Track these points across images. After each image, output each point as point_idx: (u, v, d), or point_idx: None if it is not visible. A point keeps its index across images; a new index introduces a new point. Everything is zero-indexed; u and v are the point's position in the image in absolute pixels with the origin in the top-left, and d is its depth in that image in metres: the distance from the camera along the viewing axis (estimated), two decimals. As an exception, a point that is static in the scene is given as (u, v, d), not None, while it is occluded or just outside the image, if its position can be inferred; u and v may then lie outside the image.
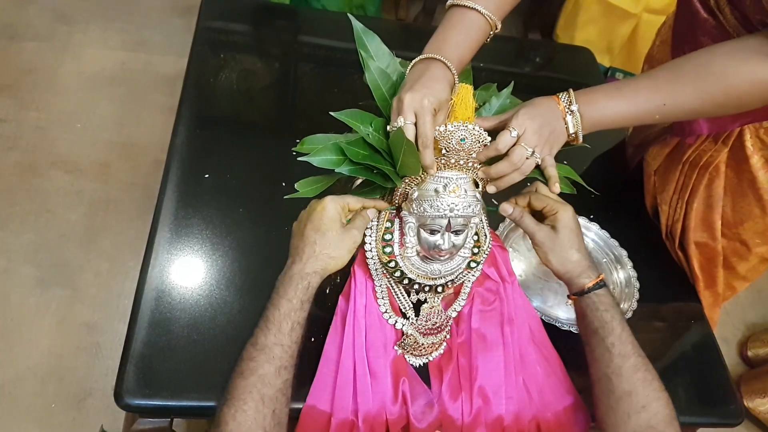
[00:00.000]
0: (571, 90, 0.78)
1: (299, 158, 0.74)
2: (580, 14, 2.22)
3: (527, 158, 0.75)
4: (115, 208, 1.81)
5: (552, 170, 0.77)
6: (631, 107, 0.78)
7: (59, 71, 2.18)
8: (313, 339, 0.83)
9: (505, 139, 0.75)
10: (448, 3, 0.79)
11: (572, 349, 0.86)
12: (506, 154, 0.76)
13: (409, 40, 0.79)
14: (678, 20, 1.04)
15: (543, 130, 0.76)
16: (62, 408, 1.44)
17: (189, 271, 0.92)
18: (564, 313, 0.98)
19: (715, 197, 1.03)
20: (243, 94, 1.26)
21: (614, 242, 1.10)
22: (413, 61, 0.76)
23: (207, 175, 1.06)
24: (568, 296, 0.83)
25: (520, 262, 1.06)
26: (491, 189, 0.78)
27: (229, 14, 1.42)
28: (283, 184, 1.06)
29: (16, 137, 1.94)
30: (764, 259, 1.08)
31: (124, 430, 0.91)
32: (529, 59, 1.59)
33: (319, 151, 0.73)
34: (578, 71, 1.56)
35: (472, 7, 0.76)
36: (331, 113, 0.76)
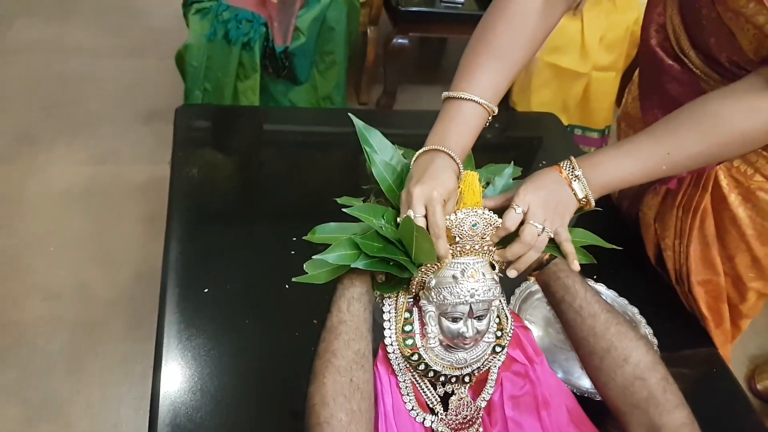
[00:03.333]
0: (572, 157, 0.79)
1: (314, 256, 0.72)
2: (533, 79, 2.32)
3: (539, 235, 0.75)
4: (99, 330, 1.73)
5: (568, 246, 0.77)
6: (636, 163, 0.78)
7: (26, 193, 2.13)
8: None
9: (510, 217, 0.75)
10: (443, 95, 0.81)
11: (610, 417, 0.84)
12: (518, 234, 0.75)
13: (378, 125, 0.80)
14: (643, 72, 1.09)
15: (549, 201, 0.76)
16: None
17: (202, 398, 0.87)
18: (590, 383, 0.96)
19: (710, 237, 1.05)
20: (230, 198, 1.25)
21: (624, 301, 1.10)
22: (417, 154, 0.77)
23: (206, 290, 1.02)
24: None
25: (538, 334, 1.04)
26: (512, 273, 0.78)
27: (203, 122, 1.43)
28: (287, 286, 1.04)
29: (-14, 269, 1.87)
30: (761, 295, 1.10)
31: None
32: (499, 130, 1.63)
33: (334, 248, 0.72)
34: (547, 136, 1.61)
35: (468, 99, 0.78)
36: (344, 210, 0.75)
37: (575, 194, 0.77)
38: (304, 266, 0.73)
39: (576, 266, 0.77)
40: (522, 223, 0.76)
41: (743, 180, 0.98)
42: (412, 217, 0.70)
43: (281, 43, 1.86)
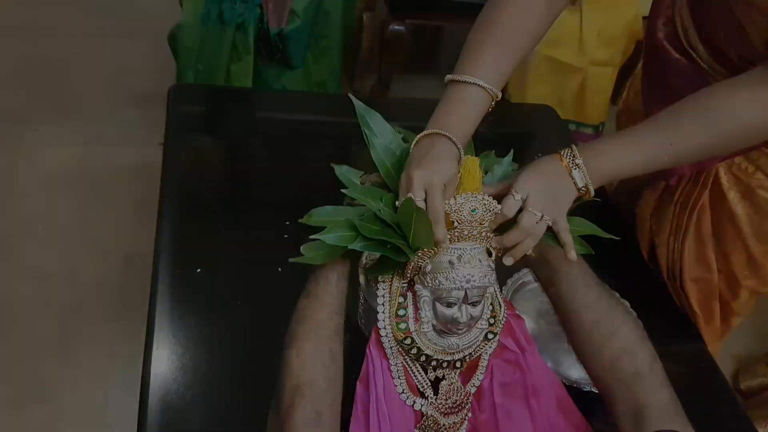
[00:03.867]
0: (573, 145, 0.78)
1: (311, 236, 0.72)
2: (530, 73, 2.31)
3: (537, 222, 0.74)
4: (88, 312, 1.72)
5: (566, 235, 0.76)
6: (638, 153, 0.77)
7: (13, 174, 2.10)
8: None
9: (509, 204, 0.74)
10: (447, 78, 0.80)
11: (600, 409, 0.84)
12: (516, 222, 0.75)
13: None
14: (647, 66, 1.08)
15: (548, 189, 0.75)
16: None
17: (194, 377, 0.87)
18: (579, 373, 0.97)
19: (706, 234, 1.05)
20: (223, 180, 1.24)
21: (615, 294, 1.10)
22: (418, 137, 0.76)
23: (199, 270, 1.02)
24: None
25: (529, 324, 1.04)
26: (508, 261, 0.77)
27: (197, 102, 1.41)
28: (279, 269, 1.03)
29: (-27, 251, 1.84)
30: (754, 293, 1.11)
31: None
32: (494, 121, 1.63)
33: (332, 229, 0.72)
34: (543, 129, 1.61)
35: (472, 83, 0.77)
36: (343, 191, 0.75)
37: (575, 183, 0.76)
38: (301, 249, 0.72)
39: (573, 256, 0.76)
40: (521, 210, 0.75)
41: (744, 177, 0.98)
42: (416, 202, 0.70)
43: (276, 26, 1.83)
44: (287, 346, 0.69)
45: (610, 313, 0.77)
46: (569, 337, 0.82)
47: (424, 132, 0.76)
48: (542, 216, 0.74)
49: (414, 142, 0.76)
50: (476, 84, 0.76)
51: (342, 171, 0.79)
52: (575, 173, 0.76)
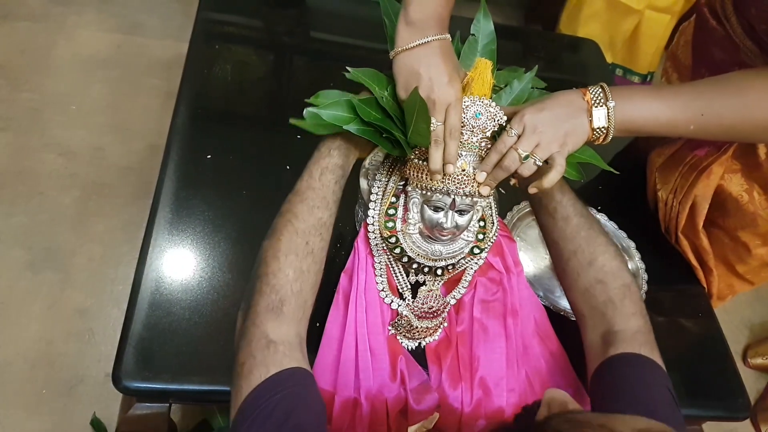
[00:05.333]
0: (604, 84, 0.72)
1: (308, 109, 0.71)
2: (584, 9, 2.20)
3: (521, 162, 0.69)
4: (109, 192, 1.77)
5: (554, 174, 0.69)
6: (667, 111, 0.72)
7: (53, 53, 2.13)
8: (318, 324, 0.81)
9: (503, 140, 0.70)
10: None
11: (580, 340, 0.85)
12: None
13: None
14: (695, 29, 1.02)
15: (550, 125, 0.69)
16: (53, 395, 1.41)
17: (190, 253, 0.89)
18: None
19: (703, 197, 1.02)
20: (245, 81, 1.23)
21: (622, 234, 1.08)
22: (413, 44, 0.69)
23: (209, 156, 1.03)
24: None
25: (527, 252, 1.04)
26: (484, 191, 0.72)
27: (229, 1, 1.38)
28: (288, 167, 1.04)
29: (8, 118, 1.89)
30: (765, 263, 1.07)
31: (121, 415, 0.88)
32: (533, 50, 1.57)
33: (330, 105, 0.71)
34: (585, 64, 1.54)
35: None
36: (348, 68, 0.73)
37: (591, 122, 0.70)
38: (305, 111, 0.71)
39: (544, 184, 0.69)
40: None
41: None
42: (435, 127, 0.68)
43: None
44: (266, 237, 0.70)
45: (589, 243, 0.76)
46: (554, 267, 0.83)
47: (424, 40, 0.69)
48: (527, 156, 0.69)
49: (406, 50, 0.69)
50: None
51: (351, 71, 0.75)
52: (598, 112, 0.70)
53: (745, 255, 1.06)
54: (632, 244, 1.07)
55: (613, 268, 0.75)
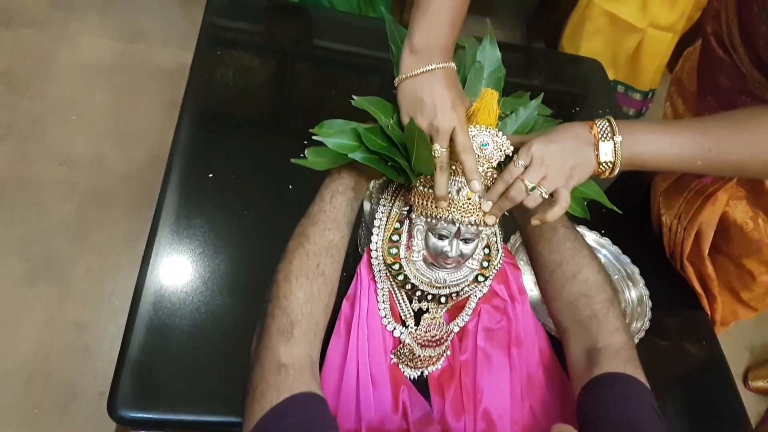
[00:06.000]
0: (611, 118, 0.71)
1: (313, 137, 0.71)
2: (587, 25, 2.20)
3: (528, 193, 0.69)
4: (109, 202, 1.76)
5: (558, 209, 0.69)
6: (674, 146, 0.71)
7: (55, 59, 2.12)
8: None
9: (510, 171, 0.69)
10: None
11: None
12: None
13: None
14: (701, 56, 1.01)
15: (558, 158, 0.68)
16: (47, 411, 1.39)
17: (190, 275, 0.88)
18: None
19: (708, 223, 1.01)
20: (249, 93, 1.22)
21: (626, 259, 1.07)
22: (417, 71, 0.69)
23: (211, 175, 1.02)
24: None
25: (530, 275, 1.03)
26: (490, 220, 0.72)
27: (235, 11, 1.38)
28: (290, 186, 1.03)
29: (8, 125, 1.88)
30: None
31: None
32: (537, 69, 1.56)
33: (335, 134, 0.71)
34: (587, 83, 1.54)
35: None
36: (354, 97, 0.72)
37: (597, 156, 0.69)
38: (306, 151, 0.72)
39: (547, 218, 0.70)
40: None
41: None
42: (440, 153, 0.68)
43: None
44: (280, 261, 0.70)
45: (574, 255, 0.77)
46: (536, 278, 0.83)
47: (428, 67, 0.69)
48: (534, 188, 0.68)
49: (421, 70, 0.69)
50: None
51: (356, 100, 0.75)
52: (604, 146, 0.69)
53: (749, 282, 1.05)
54: (636, 270, 1.06)
55: (598, 281, 0.75)
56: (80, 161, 1.84)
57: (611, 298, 0.75)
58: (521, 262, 1.02)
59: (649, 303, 1.01)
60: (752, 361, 1.95)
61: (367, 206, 0.86)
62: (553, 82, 1.53)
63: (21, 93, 1.97)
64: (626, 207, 1.17)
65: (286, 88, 1.28)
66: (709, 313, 1.10)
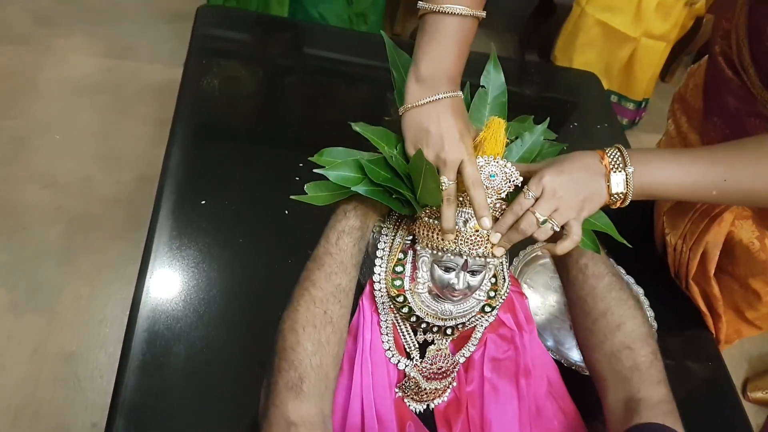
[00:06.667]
0: (621, 147, 0.69)
1: (315, 170, 0.69)
2: (580, 36, 2.20)
3: (539, 226, 0.67)
4: (96, 226, 1.72)
5: (569, 243, 0.67)
6: (687, 176, 0.68)
7: (39, 77, 2.08)
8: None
9: (520, 202, 0.67)
10: (419, 5, 0.67)
11: (592, 395, 0.81)
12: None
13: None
14: (707, 75, 0.99)
15: (569, 189, 0.67)
16: (36, 445, 1.34)
17: (184, 309, 0.85)
18: (580, 355, 0.93)
19: (714, 244, 0.99)
20: (241, 112, 1.20)
21: (630, 279, 1.05)
22: (423, 101, 0.67)
23: (204, 201, 0.98)
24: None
25: (535, 300, 1.01)
26: (498, 252, 0.69)
27: (223, 27, 1.35)
28: (286, 212, 1.00)
29: (-9, 147, 1.84)
30: None
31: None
32: (532, 82, 1.55)
33: (337, 165, 0.69)
34: (584, 97, 1.52)
35: (453, 13, 0.65)
36: (355, 128, 0.71)
37: (609, 187, 0.68)
38: (305, 187, 0.69)
39: (558, 251, 0.68)
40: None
41: None
42: (447, 186, 0.66)
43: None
44: (286, 308, 0.67)
45: (619, 305, 0.73)
46: (574, 323, 0.79)
47: (437, 96, 0.67)
48: (545, 220, 0.67)
49: (428, 100, 0.67)
50: (459, 14, 0.66)
51: (359, 128, 0.73)
52: (616, 177, 0.67)
53: (755, 302, 1.03)
54: (641, 290, 1.04)
55: (642, 334, 0.72)
56: (66, 184, 1.80)
57: (655, 351, 0.72)
58: (524, 286, 0.99)
59: (655, 324, 0.99)
60: (750, 372, 1.94)
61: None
62: (550, 97, 1.51)
63: (3, 112, 1.93)
64: (629, 227, 1.16)
65: (277, 106, 1.25)
66: (713, 332, 1.08)
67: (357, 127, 0.71)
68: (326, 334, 0.65)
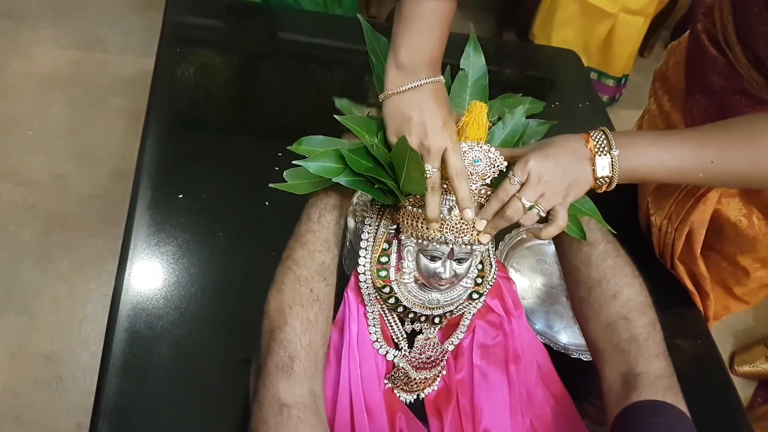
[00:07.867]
0: (606, 129, 0.68)
1: (294, 161, 0.66)
2: (557, 13, 2.18)
3: (525, 212, 0.66)
4: (72, 224, 1.68)
5: (555, 228, 0.67)
6: (674, 159, 0.67)
7: (6, 73, 2.02)
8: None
9: (505, 188, 0.66)
10: None
11: (582, 377, 0.82)
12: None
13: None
14: (689, 53, 0.98)
15: (555, 175, 0.66)
16: (20, 450, 1.32)
17: (165, 308, 0.83)
18: (569, 338, 0.93)
19: (700, 223, 0.99)
20: (216, 101, 1.17)
21: (623, 252, 1.05)
22: (404, 88, 0.65)
23: (181, 195, 0.96)
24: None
25: (522, 283, 1.00)
26: (484, 239, 0.68)
27: (197, 14, 1.31)
28: (266, 203, 0.98)
29: (-41, 146, 1.78)
30: (764, 285, 1.05)
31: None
32: (511, 62, 1.53)
33: (318, 156, 0.66)
34: (564, 75, 1.51)
35: None
36: (336, 117, 0.69)
37: (594, 171, 0.67)
38: (284, 174, 0.67)
39: (544, 235, 0.68)
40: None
41: None
42: (431, 174, 0.65)
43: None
44: (269, 289, 0.66)
45: (615, 273, 0.71)
46: (569, 294, 0.77)
47: (418, 82, 0.65)
48: (532, 206, 0.66)
49: (408, 87, 0.66)
50: None
51: (343, 104, 0.73)
52: (601, 160, 0.66)
53: (743, 278, 1.04)
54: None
55: (639, 303, 0.70)
56: (39, 182, 1.75)
57: (653, 322, 0.70)
58: (511, 270, 0.99)
59: (644, 302, 0.99)
60: (737, 346, 1.97)
61: (351, 223, 0.81)
62: (530, 76, 1.50)
63: (-29, 110, 1.87)
64: (613, 206, 1.16)
65: (254, 95, 1.22)
66: (702, 310, 1.08)
67: (339, 118, 0.69)
68: (314, 312, 0.64)
